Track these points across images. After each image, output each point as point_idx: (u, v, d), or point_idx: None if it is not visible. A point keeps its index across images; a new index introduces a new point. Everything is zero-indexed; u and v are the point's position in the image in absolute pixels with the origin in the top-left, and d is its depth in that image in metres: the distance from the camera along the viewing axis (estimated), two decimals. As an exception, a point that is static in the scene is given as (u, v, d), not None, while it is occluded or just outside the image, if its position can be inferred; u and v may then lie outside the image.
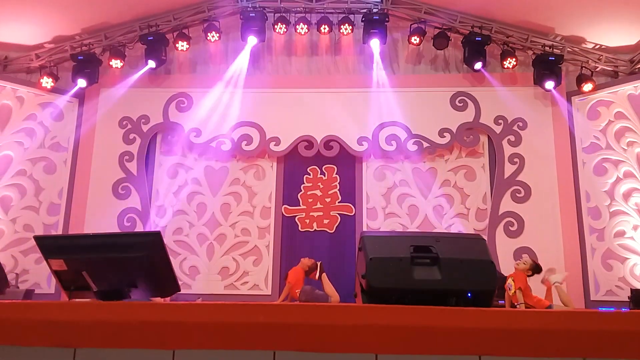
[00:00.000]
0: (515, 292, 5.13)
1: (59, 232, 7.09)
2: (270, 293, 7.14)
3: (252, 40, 7.44)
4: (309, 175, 7.63)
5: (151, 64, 7.46)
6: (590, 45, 7.45)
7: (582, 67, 7.37)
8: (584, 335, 1.80)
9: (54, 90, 7.50)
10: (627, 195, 6.88)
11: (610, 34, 7.16)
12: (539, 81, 7.29)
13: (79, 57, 7.38)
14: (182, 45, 7.51)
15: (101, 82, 7.64)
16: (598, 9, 6.72)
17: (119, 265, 2.39)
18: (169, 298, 3.64)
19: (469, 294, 2.06)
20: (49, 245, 2.53)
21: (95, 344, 1.99)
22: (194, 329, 1.94)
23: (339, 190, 7.57)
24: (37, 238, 2.56)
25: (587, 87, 7.23)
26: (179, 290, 2.71)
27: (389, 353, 1.86)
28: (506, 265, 6.96)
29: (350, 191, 7.54)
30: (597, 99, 7.28)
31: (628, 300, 6.40)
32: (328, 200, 7.53)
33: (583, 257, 6.94)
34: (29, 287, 6.75)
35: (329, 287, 6.00)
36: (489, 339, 1.82)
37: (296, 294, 5.95)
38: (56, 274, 2.53)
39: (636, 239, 6.75)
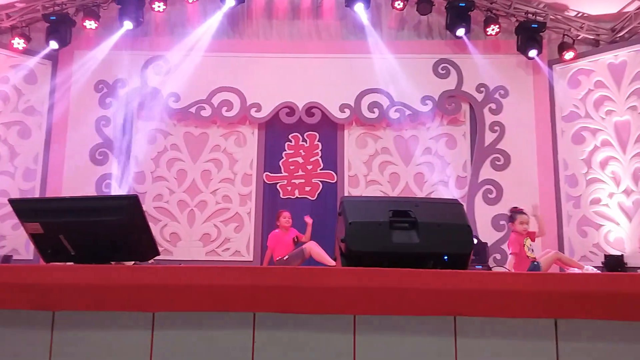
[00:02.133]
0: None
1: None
2: (252, 259, 7.18)
3: (230, 1, 7.25)
4: (291, 142, 7.59)
5: (127, 25, 7.24)
6: (572, 13, 7.44)
7: (564, 35, 7.38)
8: (556, 296, 1.85)
9: (26, 52, 7.28)
10: (603, 164, 7.00)
11: (592, 2, 7.15)
12: (521, 49, 7.29)
13: (52, 18, 7.14)
14: (158, 6, 7.30)
15: (75, 44, 7.42)
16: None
17: (97, 228, 2.37)
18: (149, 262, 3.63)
19: (446, 257, 2.09)
20: (24, 209, 2.49)
21: (74, 306, 1.99)
22: (173, 292, 1.95)
23: (320, 157, 7.56)
24: (12, 201, 2.51)
25: (569, 55, 7.25)
26: (158, 254, 2.70)
27: (367, 314, 1.90)
28: (485, 231, 7.10)
29: (332, 158, 7.54)
30: (578, 68, 7.32)
31: (602, 265, 6.59)
32: (310, 167, 7.53)
33: (559, 224, 7.10)
34: (7, 253, 6.70)
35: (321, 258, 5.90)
36: (464, 300, 1.86)
37: (277, 257, 5.98)
38: (33, 237, 2.49)
39: (611, 207, 6.89)
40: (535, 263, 5.09)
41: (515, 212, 5.34)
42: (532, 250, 5.23)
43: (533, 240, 5.29)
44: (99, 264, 2.27)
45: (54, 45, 7.16)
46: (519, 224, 5.24)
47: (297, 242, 6.12)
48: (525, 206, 6.68)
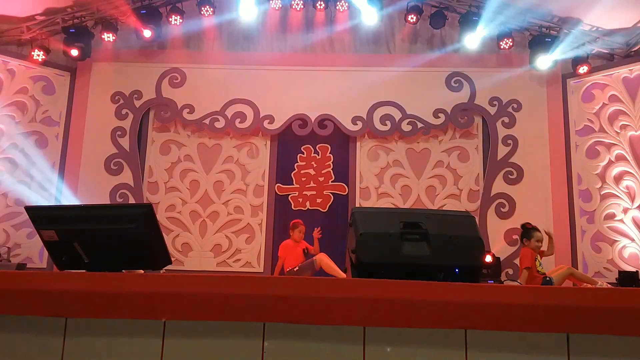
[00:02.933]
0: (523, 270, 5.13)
1: (51, 206, 7.06)
2: (262, 270, 7.18)
3: (245, 15, 7.33)
4: (303, 154, 7.62)
5: (146, 33, 7.31)
6: (586, 27, 7.41)
7: (578, 49, 7.35)
8: (568, 310, 1.83)
9: (45, 64, 7.41)
10: (618, 179, 6.93)
11: (606, 16, 7.11)
12: (534, 63, 7.27)
13: (71, 30, 7.28)
14: (175, 19, 7.40)
15: (93, 56, 7.55)
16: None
17: (111, 236, 2.39)
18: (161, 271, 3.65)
19: (457, 270, 2.08)
20: (40, 216, 2.53)
21: (86, 314, 2.00)
22: (184, 300, 1.96)
23: (332, 169, 7.57)
24: (28, 208, 2.55)
25: (583, 69, 7.21)
26: (171, 263, 2.72)
27: (376, 326, 1.89)
28: (497, 246, 7.04)
29: (343, 170, 7.54)
30: (592, 82, 7.28)
31: (616, 281, 6.50)
32: (321, 179, 7.54)
33: (573, 239, 7.02)
34: (21, 261, 6.77)
35: (331, 270, 5.85)
36: (475, 313, 1.84)
37: (287, 268, 5.98)
38: (47, 244, 2.53)
39: (626, 222, 6.81)
40: (548, 278, 5.04)
41: (531, 228, 5.30)
42: (542, 267, 5.21)
43: (541, 257, 5.26)
44: (111, 272, 2.30)
45: (74, 52, 7.22)
46: (535, 241, 5.20)
47: (308, 254, 6.11)
48: (539, 221, 6.64)
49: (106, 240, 2.40)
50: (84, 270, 2.52)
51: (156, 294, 1.98)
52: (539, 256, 5.23)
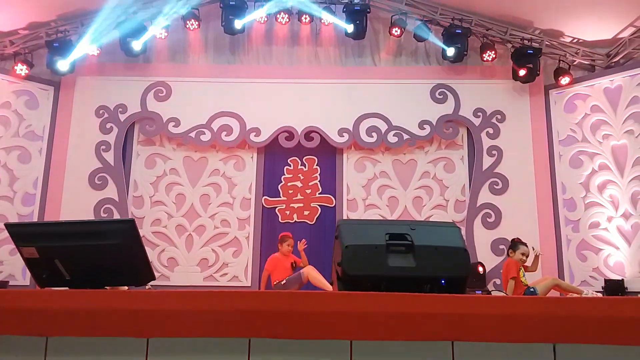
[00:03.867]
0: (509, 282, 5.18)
1: (34, 222, 6.97)
2: (250, 285, 7.12)
3: (231, 29, 7.34)
4: (290, 166, 7.61)
5: (136, 46, 7.29)
6: (568, 39, 7.54)
7: (559, 61, 7.46)
8: (555, 320, 1.83)
9: (28, 78, 7.35)
10: (601, 187, 7.01)
11: (587, 28, 7.25)
12: (517, 74, 7.36)
13: (55, 44, 7.23)
14: (160, 32, 7.39)
15: (77, 70, 7.47)
16: (576, 3, 6.80)
17: (92, 253, 2.35)
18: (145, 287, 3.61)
19: (443, 281, 2.08)
20: (20, 233, 2.48)
21: (67, 332, 1.97)
22: (168, 317, 1.93)
23: (319, 181, 7.57)
24: (8, 225, 2.50)
25: (565, 80, 7.32)
26: (154, 279, 2.68)
27: (363, 339, 1.87)
28: (484, 256, 7.06)
29: (330, 182, 7.54)
30: (574, 92, 7.39)
31: (602, 290, 6.54)
32: (308, 191, 7.53)
33: (558, 248, 7.07)
34: (3, 278, 6.66)
35: (319, 283, 5.80)
36: (462, 324, 1.84)
37: (275, 281, 5.93)
38: (28, 262, 2.48)
39: (610, 230, 6.87)
40: (532, 289, 5.07)
41: (519, 242, 5.38)
42: (526, 278, 5.26)
43: (524, 271, 5.34)
44: (93, 289, 2.26)
45: (62, 66, 7.17)
46: (520, 254, 5.30)
47: (295, 267, 6.07)
48: (525, 230, 6.70)
49: (88, 257, 2.36)
50: (65, 288, 2.47)
51: (139, 311, 1.95)
52: (522, 268, 5.28)
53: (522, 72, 7.29)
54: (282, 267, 6.01)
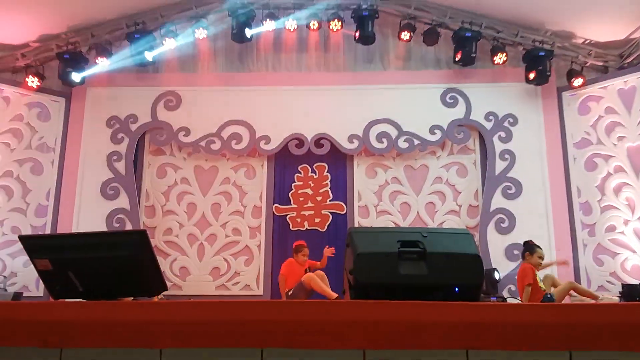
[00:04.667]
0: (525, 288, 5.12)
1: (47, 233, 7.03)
2: (261, 293, 7.11)
3: (240, 37, 7.38)
4: (300, 173, 7.61)
5: (148, 56, 7.35)
6: (580, 41, 7.47)
7: (572, 62, 7.40)
8: (571, 328, 1.79)
9: (40, 90, 7.43)
10: (617, 190, 6.91)
11: (599, 29, 7.19)
12: (529, 77, 7.30)
13: (65, 56, 7.31)
14: (169, 42, 7.44)
15: (88, 81, 7.56)
16: (587, 4, 6.74)
17: (105, 264, 2.36)
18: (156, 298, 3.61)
19: (456, 289, 2.05)
20: (33, 245, 2.50)
21: (81, 343, 1.97)
22: (180, 328, 1.93)
23: (330, 188, 7.55)
24: (21, 238, 2.52)
25: (577, 82, 7.25)
26: (166, 290, 2.68)
27: (376, 348, 1.85)
28: (498, 262, 6.98)
29: (341, 189, 7.52)
30: (587, 94, 7.31)
31: (619, 295, 6.43)
32: (319, 198, 7.51)
33: (574, 253, 6.97)
34: (18, 290, 6.69)
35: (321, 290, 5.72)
36: (476, 333, 1.81)
37: (287, 288, 5.90)
38: (41, 274, 2.49)
39: (627, 234, 6.77)
40: (549, 295, 5.01)
41: (534, 245, 5.31)
42: (542, 282, 5.21)
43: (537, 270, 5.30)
44: (106, 300, 2.26)
45: (76, 77, 7.27)
46: (537, 257, 5.22)
47: (311, 270, 6.03)
48: (540, 235, 6.64)
49: (101, 268, 2.37)
50: (79, 299, 2.48)
51: (152, 321, 1.95)
52: (539, 274, 5.22)
53: (533, 75, 7.22)
54: (295, 274, 5.98)
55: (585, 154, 7.19)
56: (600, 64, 7.44)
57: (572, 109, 7.37)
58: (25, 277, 6.90)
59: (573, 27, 7.30)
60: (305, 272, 6.01)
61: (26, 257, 6.39)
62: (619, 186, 6.91)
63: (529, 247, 5.35)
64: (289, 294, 5.80)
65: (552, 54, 7.28)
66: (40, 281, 6.43)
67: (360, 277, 2.06)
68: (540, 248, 5.35)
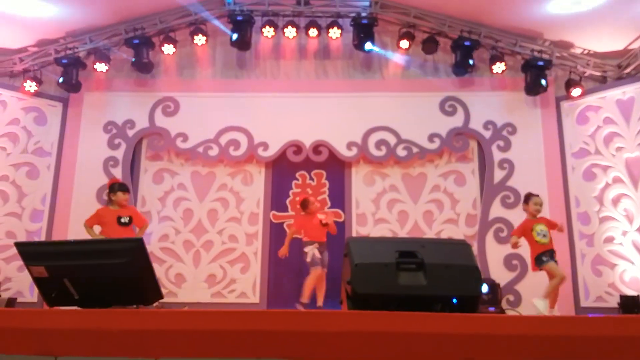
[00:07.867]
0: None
1: (42, 239, 6.97)
2: (258, 301, 7.05)
3: (239, 44, 7.38)
4: (298, 180, 7.59)
5: (146, 62, 7.38)
6: (578, 51, 7.49)
7: (570, 72, 7.40)
8: (571, 340, 1.78)
9: (37, 95, 7.41)
10: (616, 201, 6.90)
11: (598, 40, 7.21)
12: (527, 86, 7.32)
13: (63, 61, 7.30)
14: (168, 48, 7.44)
15: (86, 86, 7.54)
16: (586, 14, 6.76)
17: (100, 272, 2.35)
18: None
19: (454, 300, 2.03)
20: (29, 252, 2.49)
21: (76, 352, 1.96)
22: (177, 337, 1.92)
23: (328, 195, 7.53)
24: (17, 244, 2.51)
25: (576, 92, 7.26)
26: (162, 298, 2.66)
27: (374, 360, 1.84)
28: (496, 272, 6.95)
29: (339, 197, 7.50)
30: (586, 104, 7.32)
31: (618, 306, 6.41)
32: (317, 206, 7.47)
33: (573, 263, 6.94)
34: (12, 295, 6.64)
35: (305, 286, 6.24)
36: (475, 344, 1.79)
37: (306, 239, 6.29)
38: (37, 281, 2.48)
39: (625, 245, 6.76)
40: (545, 259, 5.15)
41: (530, 194, 5.51)
42: (545, 236, 5.21)
43: (553, 228, 5.44)
44: (101, 309, 2.24)
45: (67, 83, 7.27)
46: (532, 204, 5.33)
47: (325, 224, 6.29)
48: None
49: (96, 276, 2.36)
50: (74, 307, 2.46)
51: (148, 330, 1.94)
52: (541, 224, 5.23)
53: (532, 84, 7.24)
54: (312, 225, 6.33)
55: (583, 164, 7.19)
56: (599, 74, 7.46)
57: (571, 119, 7.38)
58: (20, 283, 6.84)
59: (571, 37, 7.33)
60: (321, 223, 6.32)
61: (20, 262, 6.36)
62: (617, 197, 6.90)
63: (525, 198, 5.50)
64: (307, 249, 6.25)
65: (551, 63, 7.30)
66: (35, 287, 6.39)
67: (358, 287, 2.05)
68: (538, 196, 5.43)
